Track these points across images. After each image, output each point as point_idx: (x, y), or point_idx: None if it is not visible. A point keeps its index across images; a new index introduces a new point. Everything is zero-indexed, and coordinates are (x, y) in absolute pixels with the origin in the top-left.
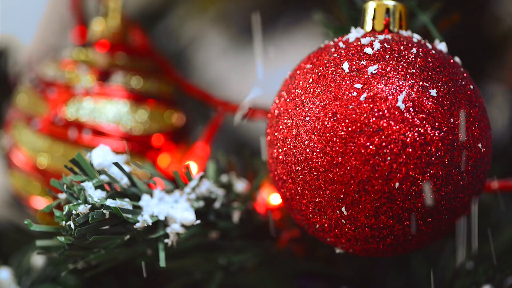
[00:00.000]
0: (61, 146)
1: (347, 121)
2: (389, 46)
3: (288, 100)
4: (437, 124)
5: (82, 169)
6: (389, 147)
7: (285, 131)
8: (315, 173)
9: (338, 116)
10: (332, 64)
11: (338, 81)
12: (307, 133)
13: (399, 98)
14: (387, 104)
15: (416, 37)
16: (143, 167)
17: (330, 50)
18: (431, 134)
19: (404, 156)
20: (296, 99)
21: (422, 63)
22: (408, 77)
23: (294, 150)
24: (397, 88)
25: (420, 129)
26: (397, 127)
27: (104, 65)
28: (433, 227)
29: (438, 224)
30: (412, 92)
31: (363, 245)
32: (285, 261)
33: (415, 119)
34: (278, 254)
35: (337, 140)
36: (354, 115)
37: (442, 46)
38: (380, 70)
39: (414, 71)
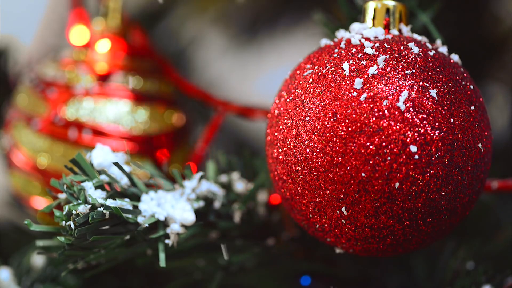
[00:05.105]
0: (61, 146)
1: (347, 121)
2: (389, 46)
3: (288, 100)
4: (437, 124)
5: (82, 169)
6: (389, 147)
7: (285, 131)
8: (315, 173)
9: (338, 116)
10: (332, 64)
11: (338, 81)
12: (307, 133)
13: (399, 98)
14: (387, 104)
15: (416, 37)
16: (143, 167)
17: (330, 50)
18: (431, 134)
19: (404, 156)
20: (296, 99)
21: (422, 63)
22: (408, 77)
23: (294, 150)
24: (397, 88)
25: (420, 129)
26: (397, 127)
27: (104, 65)
28: (433, 227)
29: (438, 224)
30: (412, 92)
31: (363, 245)
32: (285, 261)
33: (415, 119)
34: (278, 254)
35: (337, 140)
36: (354, 115)
37: (442, 47)
38: (380, 70)
39: (414, 71)
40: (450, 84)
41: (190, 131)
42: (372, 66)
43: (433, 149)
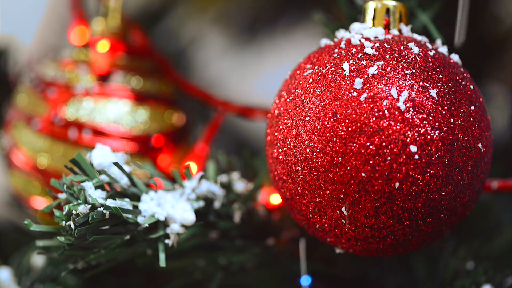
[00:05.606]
0: (61, 146)
1: (347, 121)
2: (389, 46)
3: (288, 100)
4: (437, 124)
5: (82, 169)
6: (389, 147)
7: (285, 131)
8: (315, 173)
9: (338, 116)
10: (332, 64)
11: (338, 81)
12: (307, 133)
13: (399, 98)
14: (387, 104)
15: (416, 37)
16: (143, 167)
17: (330, 50)
18: (431, 134)
19: (404, 156)
20: (296, 99)
21: (422, 63)
22: (408, 77)
23: (294, 150)
24: (397, 88)
25: (420, 129)
26: (397, 127)
27: (104, 65)
28: (433, 227)
29: (438, 224)
30: (412, 92)
31: (363, 245)
32: (285, 261)
33: (415, 119)
34: (278, 254)
35: (337, 140)
36: (354, 115)
37: (442, 46)
38: (380, 70)
39: (414, 71)
40: (450, 84)
41: (190, 131)
42: (372, 66)
43: (433, 149)
